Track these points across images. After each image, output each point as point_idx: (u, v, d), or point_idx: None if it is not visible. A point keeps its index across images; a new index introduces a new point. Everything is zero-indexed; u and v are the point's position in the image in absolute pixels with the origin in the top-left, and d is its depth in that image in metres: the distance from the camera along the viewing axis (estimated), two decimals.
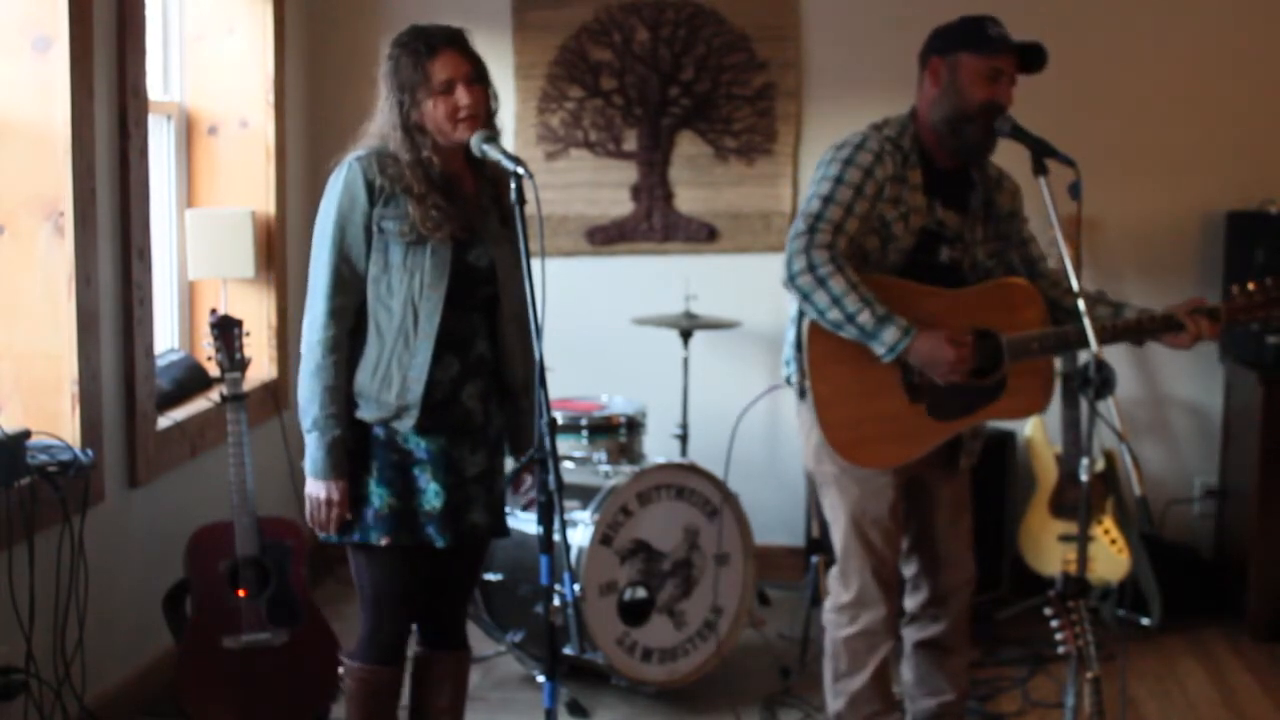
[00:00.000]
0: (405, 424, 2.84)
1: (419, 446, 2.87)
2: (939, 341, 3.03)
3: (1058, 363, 3.31)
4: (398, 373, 2.83)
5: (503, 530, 3.05)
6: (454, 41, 2.82)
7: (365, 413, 2.86)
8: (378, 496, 2.87)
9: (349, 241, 2.82)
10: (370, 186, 2.80)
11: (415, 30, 2.84)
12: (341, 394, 2.83)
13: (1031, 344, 3.13)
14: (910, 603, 3.41)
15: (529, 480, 3.00)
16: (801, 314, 3.14)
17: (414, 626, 3.10)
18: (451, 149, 2.86)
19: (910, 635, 3.43)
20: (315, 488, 2.85)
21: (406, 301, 2.82)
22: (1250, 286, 3.15)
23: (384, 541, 2.88)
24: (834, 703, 3.37)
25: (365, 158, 2.83)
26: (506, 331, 2.94)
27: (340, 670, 3.08)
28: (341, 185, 2.83)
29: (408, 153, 2.81)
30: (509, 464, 3.06)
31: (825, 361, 3.12)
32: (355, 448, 2.87)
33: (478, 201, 2.92)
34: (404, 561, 2.93)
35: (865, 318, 2.99)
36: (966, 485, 3.37)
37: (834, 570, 3.34)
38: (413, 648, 3.12)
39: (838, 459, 3.17)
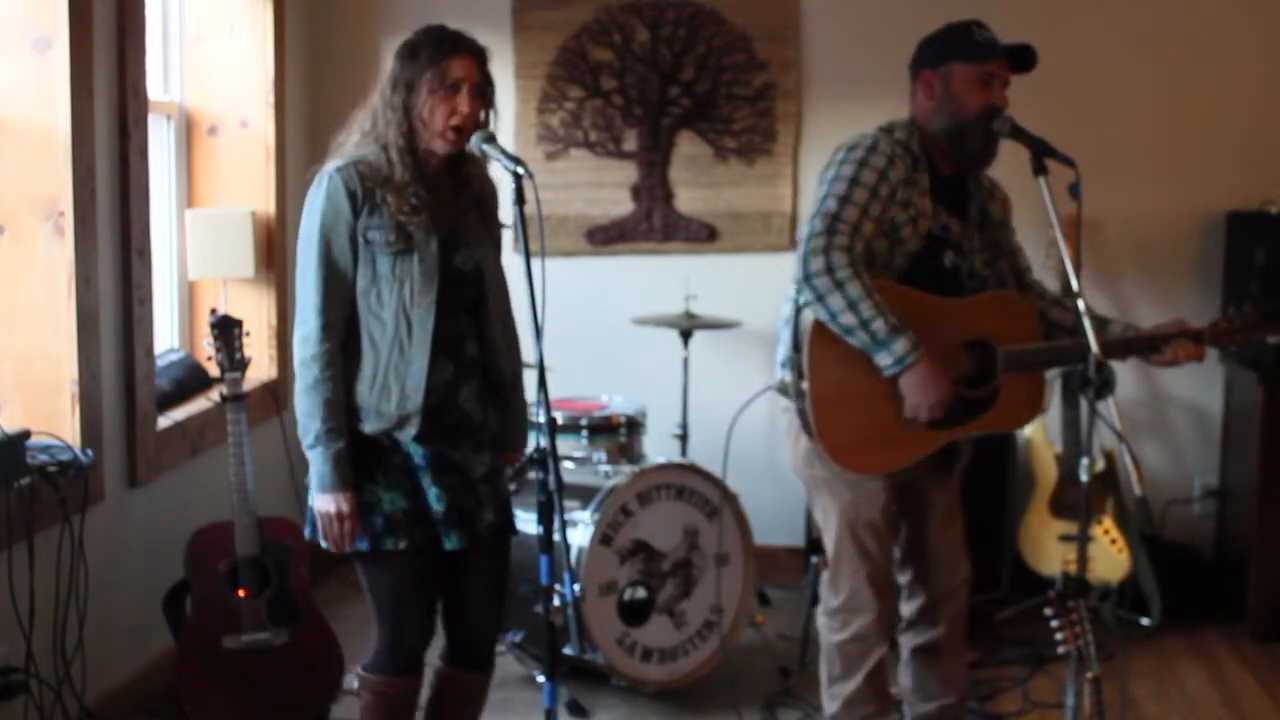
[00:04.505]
0: (407, 433, 2.83)
1: (416, 452, 2.86)
2: (941, 374, 3.03)
3: (1047, 374, 3.32)
4: (395, 383, 2.82)
5: (512, 527, 3.04)
6: (476, 52, 2.84)
7: (366, 425, 2.84)
8: (388, 501, 2.85)
9: (336, 254, 2.80)
10: (353, 197, 2.78)
11: (445, 29, 2.84)
12: (340, 406, 2.81)
13: (1028, 356, 3.14)
14: (906, 609, 3.40)
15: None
16: (798, 315, 3.12)
17: (444, 643, 3.07)
18: (431, 148, 2.86)
19: (907, 642, 3.42)
20: (325, 503, 2.81)
21: (398, 311, 2.81)
22: (1231, 311, 3.20)
23: (401, 545, 2.85)
24: (829, 705, 3.37)
25: (344, 168, 2.81)
26: (494, 331, 2.95)
27: (355, 685, 3.02)
28: (324, 197, 2.80)
29: (402, 139, 2.80)
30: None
31: (824, 365, 3.10)
32: (355, 456, 2.85)
33: (456, 204, 2.92)
34: (419, 563, 2.90)
35: (879, 325, 2.97)
36: (956, 491, 3.37)
37: (825, 575, 3.33)
38: (433, 660, 3.09)
39: (830, 463, 3.16)
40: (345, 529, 2.83)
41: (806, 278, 3.01)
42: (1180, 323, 3.19)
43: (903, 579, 3.39)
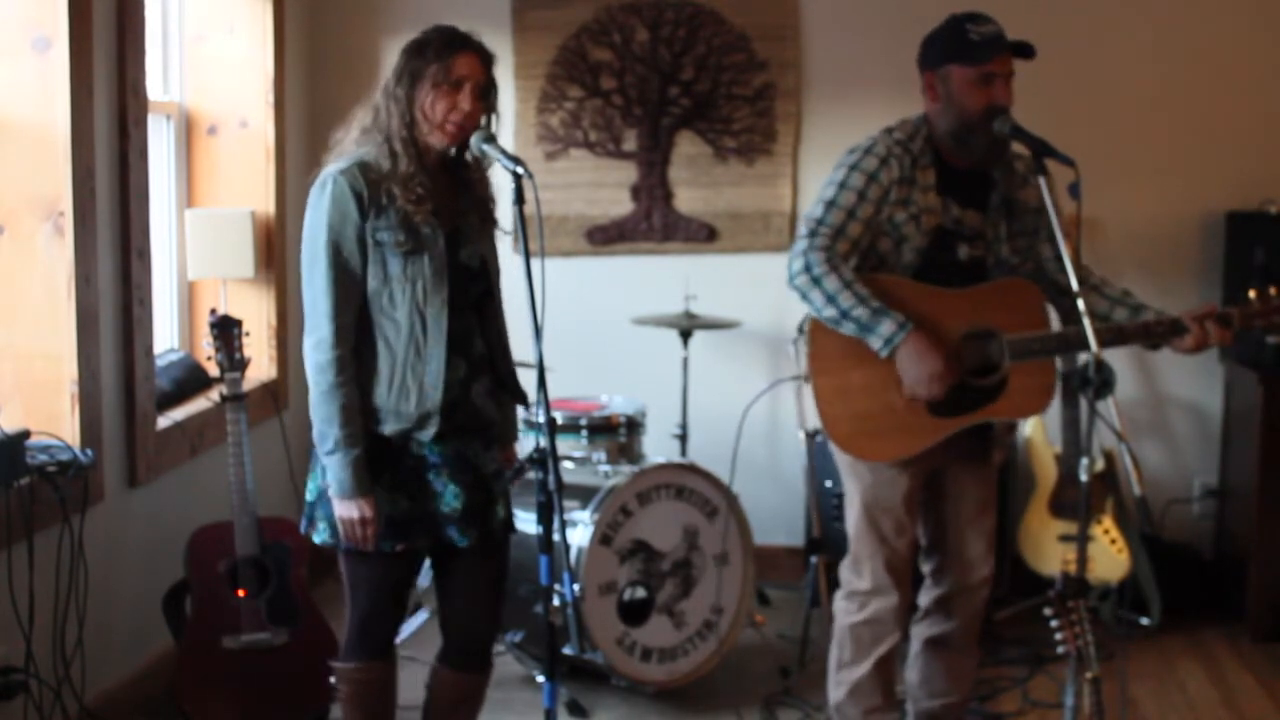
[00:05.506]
0: (427, 432, 2.82)
1: (431, 451, 2.86)
2: (933, 347, 3.04)
3: (1058, 363, 3.30)
4: (414, 382, 2.81)
5: (512, 525, 3.05)
6: (482, 53, 2.85)
7: (385, 427, 2.83)
8: (390, 503, 2.84)
9: (345, 257, 2.79)
10: (359, 198, 2.77)
11: (455, 29, 2.85)
12: (357, 410, 2.80)
13: (1033, 344, 3.13)
14: (924, 598, 3.41)
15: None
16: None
17: (441, 643, 3.08)
18: (429, 142, 2.86)
19: (920, 632, 3.43)
20: (347, 509, 2.81)
21: (412, 310, 2.80)
22: (1272, 291, 3.14)
23: (399, 548, 2.86)
24: (835, 692, 3.37)
25: (348, 170, 2.79)
26: (498, 327, 2.97)
27: (331, 679, 3.02)
28: (329, 201, 2.78)
29: (405, 129, 2.80)
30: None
31: (826, 357, 3.17)
32: (367, 458, 2.84)
33: (456, 203, 2.92)
34: (406, 564, 2.93)
35: (860, 312, 3.04)
36: (993, 484, 3.37)
37: (847, 558, 3.35)
38: (429, 661, 3.10)
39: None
40: (368, 533, 2.83)
41: (790, 280, 3.13)
42: (1211, 307, 3.16)
43: (926, 567, 3.41)
